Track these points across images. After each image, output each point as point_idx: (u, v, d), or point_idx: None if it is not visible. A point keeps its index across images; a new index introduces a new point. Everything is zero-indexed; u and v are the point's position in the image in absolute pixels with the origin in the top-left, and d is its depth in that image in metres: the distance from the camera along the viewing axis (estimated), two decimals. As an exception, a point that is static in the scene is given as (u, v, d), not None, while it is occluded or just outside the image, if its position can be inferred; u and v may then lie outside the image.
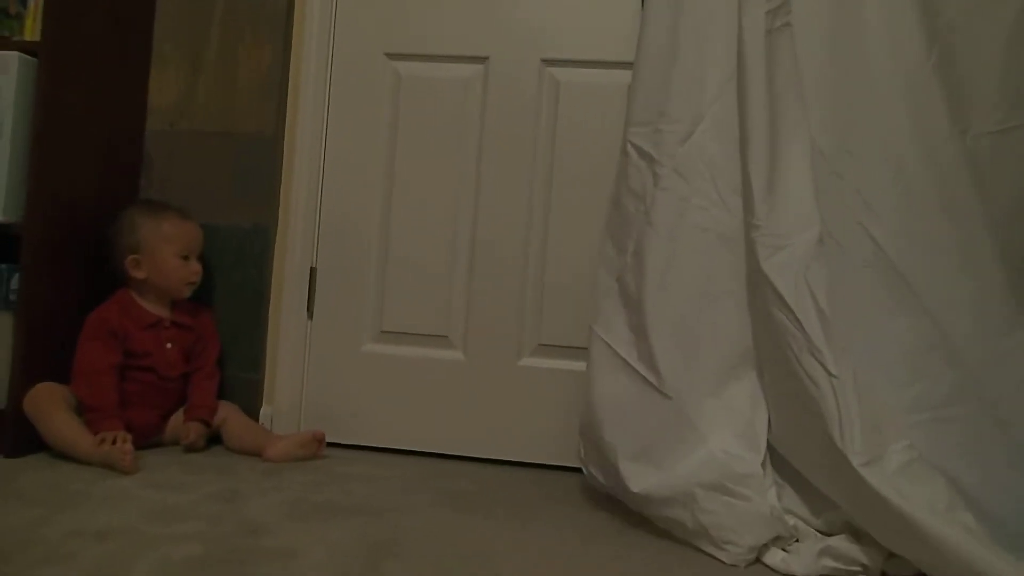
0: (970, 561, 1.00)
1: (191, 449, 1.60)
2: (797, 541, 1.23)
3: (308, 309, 1.80)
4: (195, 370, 1.69)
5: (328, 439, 1.67)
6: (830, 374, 1.17)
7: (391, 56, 1.79)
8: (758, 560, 1.20)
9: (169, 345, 1.65)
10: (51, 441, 1.50)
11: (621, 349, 1.37)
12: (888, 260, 1.30)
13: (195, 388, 1.68)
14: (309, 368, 1.80)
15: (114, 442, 1.44)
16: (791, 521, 1.23)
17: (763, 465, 1.27)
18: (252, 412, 1.75)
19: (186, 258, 1.66)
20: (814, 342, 1.19)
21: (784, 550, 1.21)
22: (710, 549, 1.21)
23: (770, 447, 1.30)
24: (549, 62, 1.74)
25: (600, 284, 1.45)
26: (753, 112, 1.34)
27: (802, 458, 1.26)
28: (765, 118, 1.33)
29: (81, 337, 1.58)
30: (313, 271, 1.80)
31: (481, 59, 1.76)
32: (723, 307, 1.35)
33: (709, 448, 1.28)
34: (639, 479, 1.29)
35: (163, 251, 1.64)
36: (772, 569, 1.18)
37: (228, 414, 1.67)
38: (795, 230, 1.28)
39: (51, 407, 1.50)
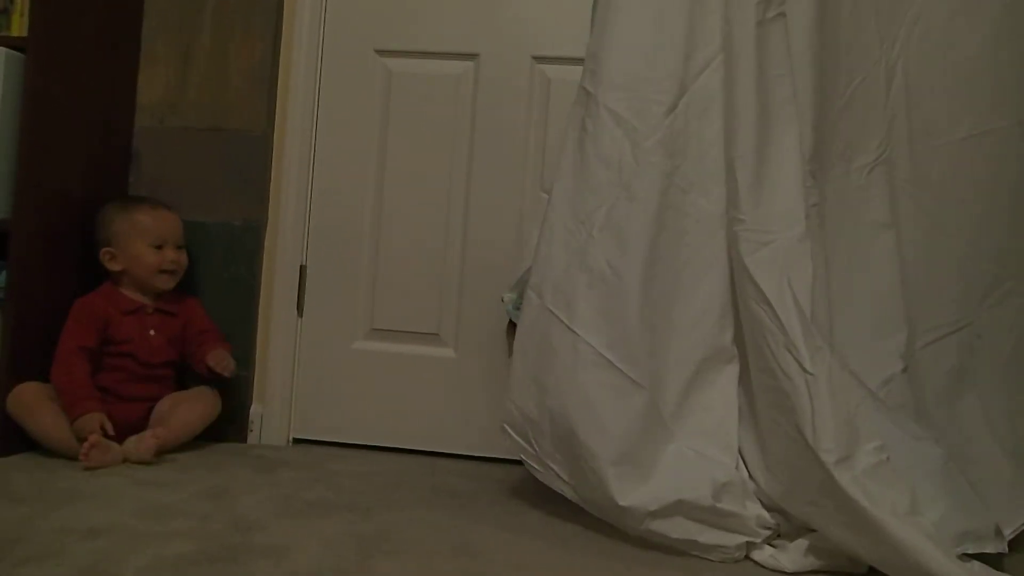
0: (926, 564, 1.01)
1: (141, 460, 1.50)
2: (779, 536, 1.23)
3: (298, 307, 1.79)
4: (202, 343, 1.66)
5: (319, 436, 1.68)
6: (805, 371, 1.15)
7: (381, 52, 1.78)
8: (747, 557, 1.21)
9: (152, 332, 1.63)
10: (40, 440, 1.49)
11: (586, 334, 1.25)
12: None
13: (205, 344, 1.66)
14: (299, 366, 1.79)
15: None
16: (774, 520, 1.22)
17: (737, 468, 1.25)
18: (242, 410, 1.74)
19: (160, 247, 1.64)
20: (792, 339, 1.17)
21: (772, 545, 1.21)
22: (697, 553, 1.20)
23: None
24: (540, 59, 1.74)
25: (550, 259, 1.30)
26: (741, 105, 1.30)
27: (771, 453, 1.24)
28: (753, 111, 1.30)
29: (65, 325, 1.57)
30: (303, 268, 1.80)
31: (472, 56, 1.76)
32: (696, 296, 1.29)
33: (679, 446, 1.24)
34: (625, 490, 1.20)
35: (135, 241, 1.62)
36: (761, 565, 1.19)
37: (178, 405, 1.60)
38: (780, 227, 1.27)
39: (36, 406, 1.49)
